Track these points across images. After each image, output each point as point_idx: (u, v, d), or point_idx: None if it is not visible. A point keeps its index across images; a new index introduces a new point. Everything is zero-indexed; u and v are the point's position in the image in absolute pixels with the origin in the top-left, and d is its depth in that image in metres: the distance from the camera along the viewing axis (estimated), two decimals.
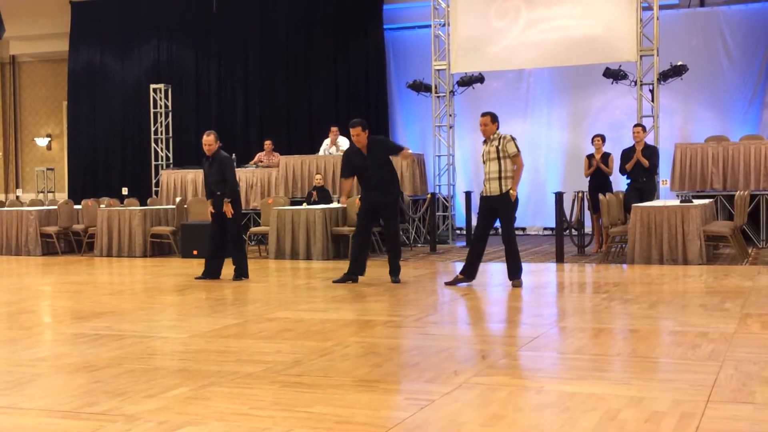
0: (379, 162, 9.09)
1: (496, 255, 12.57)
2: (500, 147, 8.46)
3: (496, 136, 8.54)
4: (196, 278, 9.80)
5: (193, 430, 3.82)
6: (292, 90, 18.32)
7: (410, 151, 9.53)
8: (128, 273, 11.35)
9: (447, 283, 8.88)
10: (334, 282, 9.14)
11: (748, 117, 15.66)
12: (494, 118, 8.62)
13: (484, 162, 8.63)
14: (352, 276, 9.15)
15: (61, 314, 7.69)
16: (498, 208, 8.57)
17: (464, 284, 8.77)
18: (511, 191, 8.49)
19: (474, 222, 15.88)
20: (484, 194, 8.64)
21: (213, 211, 9.68)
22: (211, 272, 9.81)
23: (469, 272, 8.77)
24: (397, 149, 9.38)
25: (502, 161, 8.44)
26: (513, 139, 8.54)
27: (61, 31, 20.09)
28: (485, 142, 8.63)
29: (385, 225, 9.40)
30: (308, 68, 18.19)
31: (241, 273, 9.74)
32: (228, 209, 9.53)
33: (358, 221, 9.38)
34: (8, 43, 21.11)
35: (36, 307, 8.24)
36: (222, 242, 9.79)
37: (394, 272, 9.18)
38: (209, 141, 9.66)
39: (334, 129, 15.50)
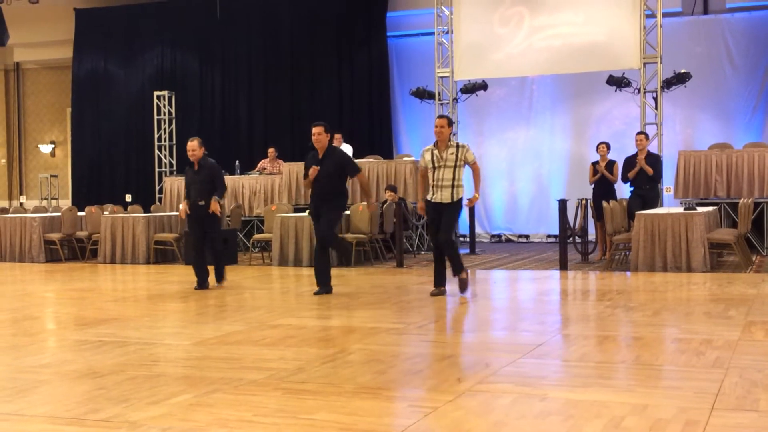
0: (329, 174, 8.66)
1: (498, 263, 12.57)
2: (459, 155, 8.35)
3: (452, 143, 8.43)
4: (196, 288, 9.53)
5: None
6: (296, 97, 18.36)
7: (373, 201, 8.95)
8: (132, 280, 11.35)
9: (434, 294, 8.54)
10: (315, 294, 8.75)
11: (752, 124, 15.65)
12: (451, 122, 8.56)
13: (434, 168, 8.39)
14: (326, 289, 8.80)
15: (64, 321, 7.70)
16: (444, 212, 8.40)
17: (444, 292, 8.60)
18: (476, 195, 8.62)
19: (478, 229, 16.01)
20: (433, 201, 8.44)
21: (189, 212, 9.47)
22: (206, 280, 9.64)
23: (443, 280, 8.67)
24: (355, 171, 8.88)
25: (456, 169, 8.37)
26: (469, 147, 8.51)
27: (65, 38, 20.16)
28: (435, 148, 8.40)
29: (321, 222, 8.73)
30: (312, 75, 18.23)
31: (223, 276, 9.82)
32: (216, 207, 9.38)
33: (317, 234, 8.96)
34: (12, 50, 21.18)
35: (40, 314, 8.24)
36: (204, 249, 9.68)
37: (323, 282, 8.83)
38: (193, 146, 9.39)
39: (337, 136, 15.46)
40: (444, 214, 8.38)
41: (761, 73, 15.59)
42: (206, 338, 6.34)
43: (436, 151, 8.40)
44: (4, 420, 4.17)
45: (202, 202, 9.41)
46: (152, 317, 7.60)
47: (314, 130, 8.72)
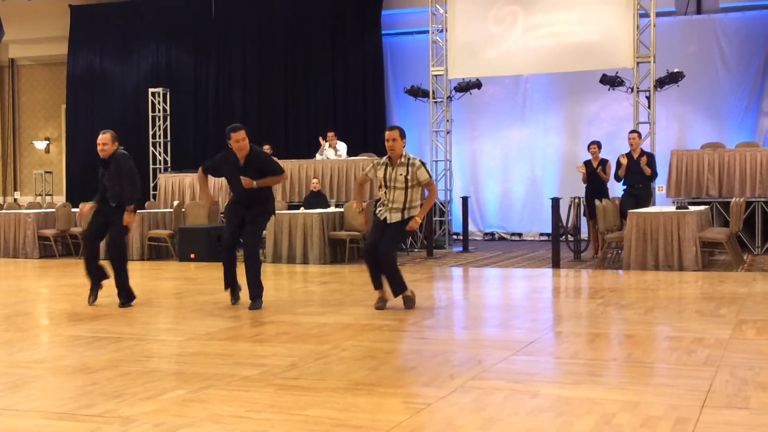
0: (254, 178, 7.70)
1: (491, 260, 12.60)
2: (409, 176, 7.37)
3: (404, 160, 7.42)
4: (91, 304, 8.10)
5: None
6: (291, 95, 18.35)
7: (254, 183, 7.64)
8: None
9: (378, 308, 7.57)
10: (233, 303, 7.99)
11: (744, 124, 15.71)
12: (403, 134, 7.48)
13: (387, 187, 7.41)
14: (236, 296, 8.01)
15: (58, 316, 7.69)
16: (389, 227, 7.49)
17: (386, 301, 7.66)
18: (417, 218, 7.45)
19: (471, 227, 16.03)
20: (382, 218, 7.50)
21: (84, 215, 8.21)
22: (99, 283, 8.19)
23: (382, 283, 7.67)
24: (278, 171, 7.86)
25: (409, 191, 7.40)
26: (423, 164, 7.51)
27: (60, 35, 20.11)
28: (389, 163, 7.42)
29: (246, 234, 7.85)
30: (306, 73, 18.23)
31: (128, 296, 8.07)
32: (131, 219, 7.98)
33: (225, 233, 7.96)
34: (7, 47, 21.12)
35: (33, 310, 8.24)
36: (97, 248, 8.29)
37: (252, 295, 7.81)
38: (104, 140, 8.05)
39: (330, 134, 15.55)
40: (388, 229, 7.48)
41: (754, 72, 15.64)
42: (200, 334, 6.35)
43: (390, 169, 7.43)
44: None
45: (114, 205, 8.00)
46: (146, 313, 7.61)
47: (235, 136, 7.61)
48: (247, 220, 7.80)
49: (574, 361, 5.29)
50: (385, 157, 7.56)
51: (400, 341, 6.15)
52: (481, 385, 4.61)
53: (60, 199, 19.77)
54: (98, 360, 5.42)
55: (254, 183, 7.65)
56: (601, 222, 11.48)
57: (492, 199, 17.28)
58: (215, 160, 8.03)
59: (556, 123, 16.87)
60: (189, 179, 16.25)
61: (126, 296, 8.03)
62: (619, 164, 12.09)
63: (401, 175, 7.39)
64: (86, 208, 8.34)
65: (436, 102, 15.50)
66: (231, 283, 8.02)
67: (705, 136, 15.10)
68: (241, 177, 7.65)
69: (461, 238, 14.79)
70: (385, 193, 7.51)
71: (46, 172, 21.06)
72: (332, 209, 13.13)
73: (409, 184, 7.41)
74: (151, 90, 18.55)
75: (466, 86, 15.33)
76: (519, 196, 17.07)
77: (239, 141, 7.63)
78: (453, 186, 15.75)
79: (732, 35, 15.79)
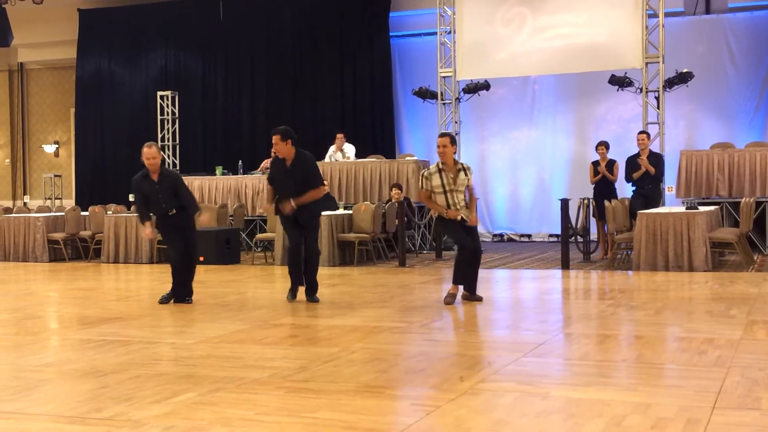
0: (300, 182, 8.10)
1: (501, 262, 12.59)
2: (468, 180, 7.85)
3: (460, 165, 7.87)
4: (161, 301, 8.33)
5: None
6: (299, 97, 18.37)
7: (294, 205, 8.07)
8: (135, 279, 11.37)
9: (448, 303, 7.93)
10: (288, 300, 8.27)
11: (754, 124, 15.64)
12: (453, 140, 7.90)
13: (447, 192, 7.79)
14: (296, 291, 8.33)
15: (67, 320, 7.72)
16: (471, 226, 8.00)
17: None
18: (474, 217, 7.97)
19: (480, 228, 15.95)
20: (459, 218, 7.85)
21: (151, 236, 8.43)
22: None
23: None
24: (318, 183, 8.22)
25: (465, 191, 7.89)
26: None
27: (69, 39, 20.17)
28: (443, 169, 7.80)
29: (307, 240, 8.24)
30: (314, 75, 18.23)
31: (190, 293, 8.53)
32: (204, 218, 8.42)
33: (289, 235, 8.35)
34: (16, 51, 21.20)
35: (43, 313, 8.27)
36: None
37: (311, 290, 8.33)
38: (152, 154, 8.33)
39: (339, 135, 15.55)
40: (471, 228, 8.02)
41: (763, 72, 15.57)
42: (209, 337, 6.36)
43: (444, 175, 7.81)
44: (7, 418, 4.19)
45: (172, 212, 8.30)
46: (155, 316, 7.62)
47: (274, 139, 8.15)
48: (302, 225, 8.19)
49: (584, 363, 5.27)
50: (433, 166, 7.92)
51: (410, 343, 6.14)
52: (490, 387, 4.60)
53: (69, 202, 19.83)
54: (108, 363, 5.43)
55: (293, 205, 8.02)
56: (610, 223, 11.46)
57: (501, 201, 17.25)
58: (271, 169, 8.30)
59: (565, 124, 16.83)
60: (198, 182, 16.26)
61: (191, 293, 8.46)
62: (635, 165, 11.99)
63: (462, 179, 7.83)
64: (149, 231, 8.39)
65: (444, 103, 15.49)
66: (299, 281, 8.32)
67: (714, 136, 15.04)
68: (280, 204, 8.09)
69: None
70: (445, 198, 7.84)
71: (55, 176, 21.13)
72: (341, 211, 13.13)
73: (466, 184, 7.88)
74: (159, 93, 18.59)
75: (475, 88, 15.32)
76: (528, 197, 17.04)
77: (277, 144, 8.10)
78: None
79: (741, 35, 15.73)
